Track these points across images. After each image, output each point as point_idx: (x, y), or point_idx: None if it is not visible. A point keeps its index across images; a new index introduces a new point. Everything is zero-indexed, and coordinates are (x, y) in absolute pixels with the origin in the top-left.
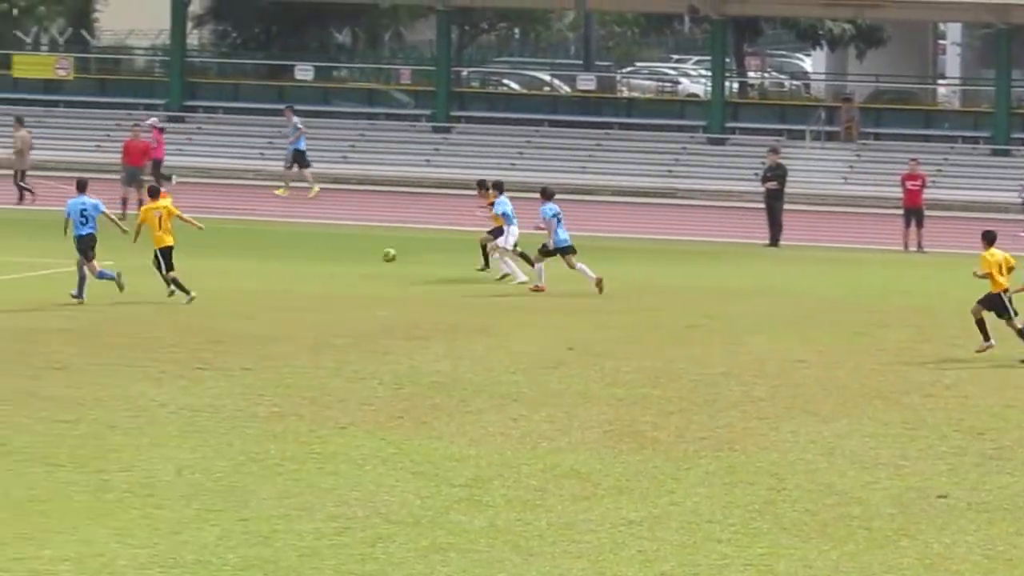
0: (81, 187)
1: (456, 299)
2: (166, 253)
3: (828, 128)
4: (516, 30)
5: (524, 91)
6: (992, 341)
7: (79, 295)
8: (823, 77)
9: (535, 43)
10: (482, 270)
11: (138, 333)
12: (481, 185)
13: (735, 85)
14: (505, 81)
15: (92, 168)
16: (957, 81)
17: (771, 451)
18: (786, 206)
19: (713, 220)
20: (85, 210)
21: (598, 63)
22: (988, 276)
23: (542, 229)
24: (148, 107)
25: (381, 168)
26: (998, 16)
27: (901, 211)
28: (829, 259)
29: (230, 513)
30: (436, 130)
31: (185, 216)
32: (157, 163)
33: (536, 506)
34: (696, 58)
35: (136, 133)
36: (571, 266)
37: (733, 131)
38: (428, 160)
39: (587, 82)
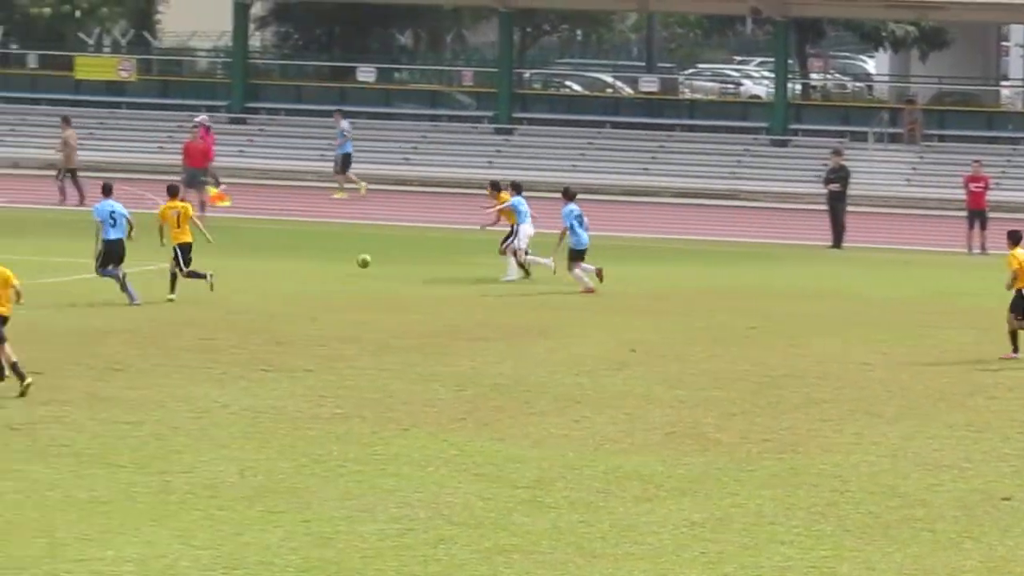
0: (107, 191)
1: (518, 301)
2: (185, 249)
3: (891, 130)
4: (578, 31)
5: (586, 93)
6: (1020, 354)
7: (131, 297)
8: (886, 79)
9: (597, 45)
10: (526, 277)
11: (199, 334)
12: (493, 186)
13: (798, 87)
14: (567, 83)
15: (154, 170)
16: (1021, 82)
17: (834, 453)
18: (849, 208)
19: (776, 222)
20: (114, 213)
21: (660, 64)
22: (1015, 278)
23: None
24: (210, 109)
25: (443, 170)
26: None
27: (964, 213)
28: (892, 261)
29: (293, 514)
30: (498, 132)
31: (199, 224)
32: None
33: (599, 508)
34: (759, 60)
35: (195, 135)
36: (569, 269)
37: (796, 133)
38: (490, 162)
39: (649, 84)
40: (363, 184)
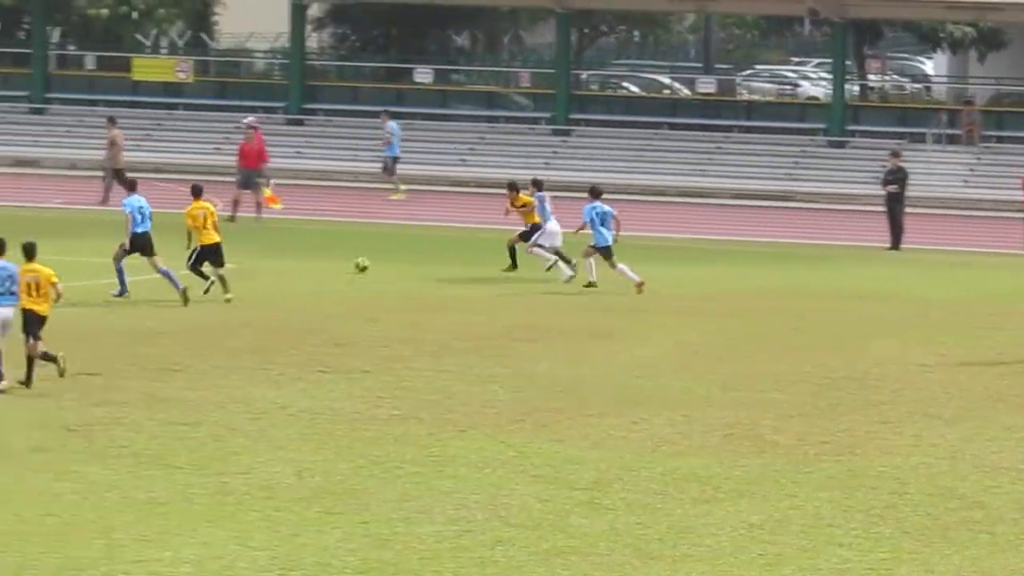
0: (132, 187)
1: (575, 303)
2: (213, 250)
3: (949, 131)
4: (636, 32)
5: (643, 94)
6: None
7: (178, 287)
8: (944, 80)
9: (655, 46)
10: (572, 277)
11: (257, 335)
12: (511, 187)
13: (855, 88)
14: (624, 84)
15: (211, 171)
16: None
17: (893, 455)
18: (907, 209)
19: (833, 223)
20: (143, 208)
21: (718, 66)
22: None
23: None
24: (267, 110)
25: (500, 171)
26: None
27: (1022, 214)
28: (950, 263)
29: (350, 516)
30: (555, 133)
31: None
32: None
33: (656, 510)
34: (816, 61)
35: (250, 136)
36: (584, 255)
37: (853, 134)
38: (547, 163)
39: (707, 85)
40: (402, 189)
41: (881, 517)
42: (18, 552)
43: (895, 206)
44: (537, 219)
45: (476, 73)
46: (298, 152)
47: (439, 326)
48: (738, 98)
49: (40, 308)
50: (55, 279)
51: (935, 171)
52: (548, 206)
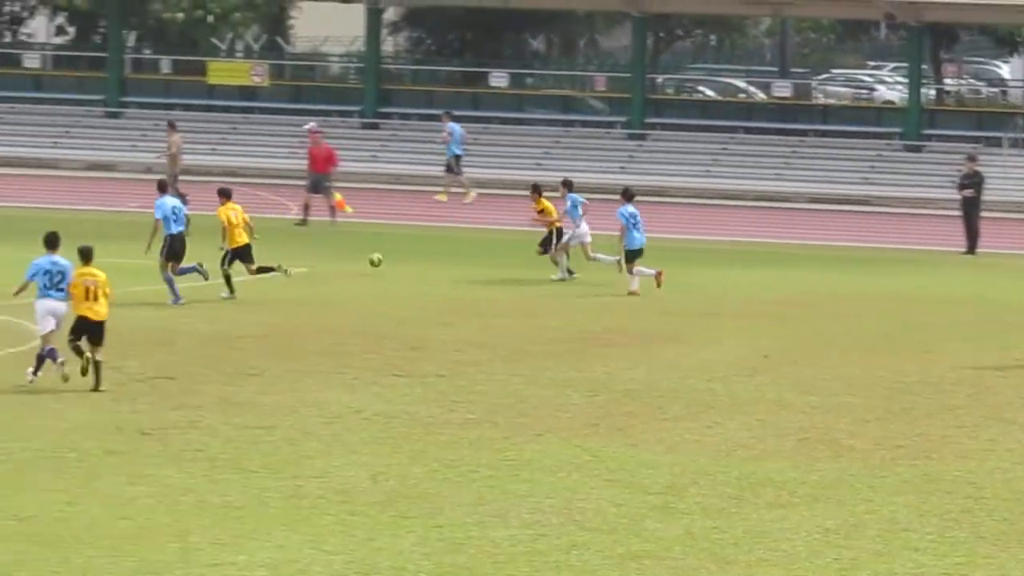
0: (162, 188)
1: (649, 306)
2: (244, 251)
3: None
4: (712, 36)
5: (719, 98)
6: None
7: (177, 299)
8: (1021, 84)
9: (731, 50)
10: (570, 275)
11: (331, 339)
12: (534, 189)
13: (932, 92)
14: (700, 88)
15: (286, 175)
16: None
17: (968, 460)
18: (982, 214)
19: (909, 228)
20: (176, 208)
21: (794, 70)
22: None
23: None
24: (342, 114)
25: (575, 175)
26: None
27: None
28: None
29: (424, 520)
30: (631, 137)
31: (251, 225)
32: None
33: (731, 514)
34: (892, 65)
35: (318, 140)
36: (628, 271)
37: (929, 138)
38: (622, 167)
39: (783, 89)
40: (446, 193)
41: (956, 521)
42: (92, 555)
43: (971, 210)
44: (558, 223)
45: (552, 77)
46: (373, 156)
47: (513, 330)
48: (814, 102)
49: (94, 314)
50: (108, 288)
51: (1011, 175)
52: (580, 208)
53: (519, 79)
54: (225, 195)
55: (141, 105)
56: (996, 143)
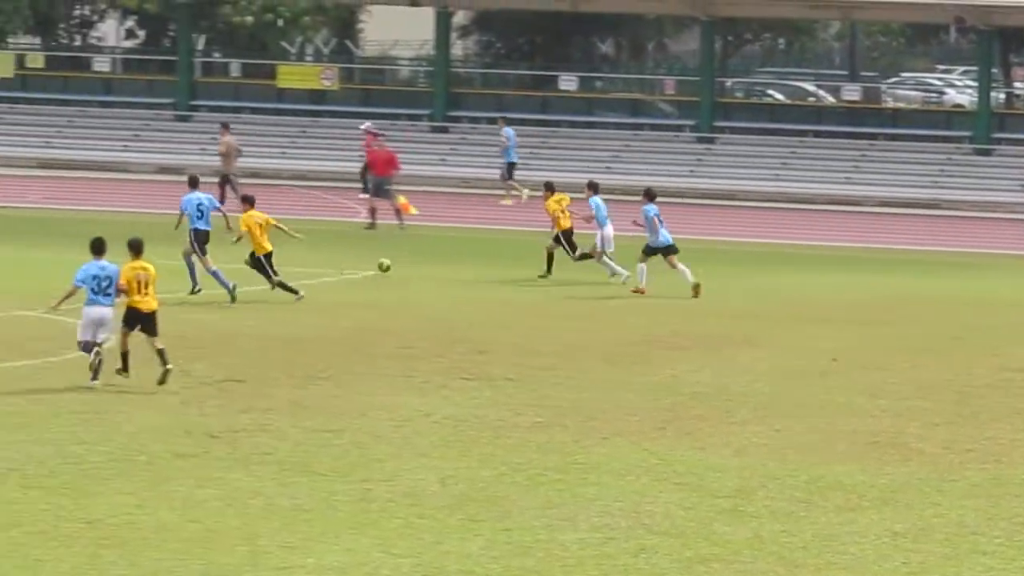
0: (193, 183)
1: (716, 309)
2: (268, 257)
3: None
4: (781, 40)
5: (788, 101)
6: None
7: (195, 286)
8: None
9: (800, 53)
10: (544, 276)
11: (399, 343)
12: (548, 187)
13: (1001, 96)
14: (769, 91)
15: (355, 178)
16: None
17: None
18: None
19: (978, 231)
20: (201, 205)
21: (863, 73)
22: None
23: (640, 225)
24: (411, 117)
25: (644, 179)
26: None
27: None
28: None
29: (493, 523)
30: (700, 141)
31: (282, 226)
32: (367, 168)
33: (800, 518)
34: (962, 68)
35: (380, 143)
36: (672, 266)
37: (999, 142)
38: (691, 171)
39: (852, 92)
40: (512, 200)
41: None
42: (160, 558)
43: None
44: (568, 224)
45: (621, 80)
46: (442, 160)
47: (580, 333)
48: (883, 106)
49: (145, 305)
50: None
51: None
52: (605, 210)
53: (588, 83)
54: (248, 202)
55: (211, 108)
56: None
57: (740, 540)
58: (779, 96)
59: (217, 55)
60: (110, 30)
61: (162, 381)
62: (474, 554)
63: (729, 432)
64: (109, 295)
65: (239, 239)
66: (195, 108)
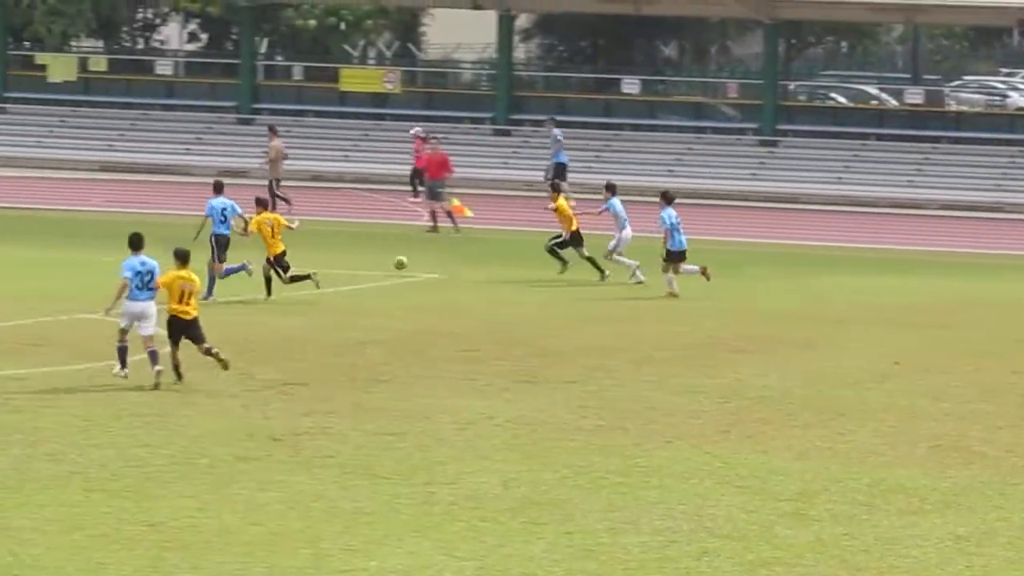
0: (218, 189)
1: (779, 312)
2: (279, 259)
3: None
4: (843, 43)
5: (851, 104)
6: None
7: (208, 294)
8: None
9: (862, 56)
10: (562, 272)
11: (460, 346)
12: (554, 188)
13: None
14: (832, 94)
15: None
16: None
17: None
18: None
19: None
20: (225, 210)
21: (926, 76)
22: None
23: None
24: (474, 120)
25: (707, 182)
26: None
27: None
28: None
29: (555, 526)
30: (762, 144)
31: (289, 224)
32: (417, 172)
33: (862, 521)
34: None
35: (434, 147)
36: (675, 272)
37: None
38: (754, 174)
39: (915, 96)
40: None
41: None
42: (223, 561)
43: None
44: (575, 226)
45: (683, 83)
46: (504, 163)
47: (642, 336)
48: (946, 109)
49: (185, 313)
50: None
51: None
52: (623, 212)
53: (651, 86)
54: (262, 205)
55: (273, 112)
56: None
57: (802, 543)
58: (842, 99)
59: (280, 58)
60: (173, 33)
61: (226, 367)
62: (536, 557)
63: (791, 435)
64: (152, 290)
65: (246, 228)
66: (257, 111)
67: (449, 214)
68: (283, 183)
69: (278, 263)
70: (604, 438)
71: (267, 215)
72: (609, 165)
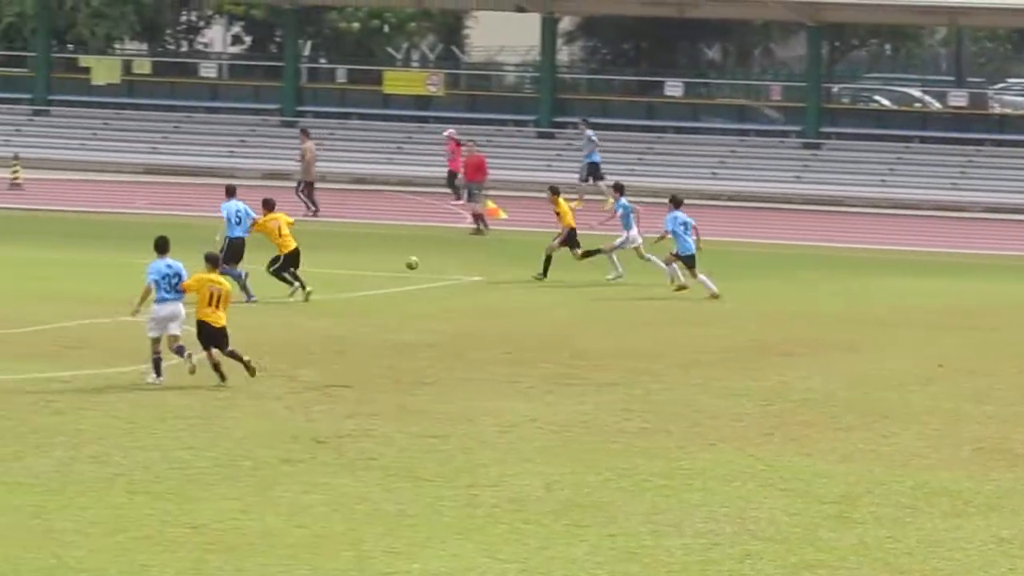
0: (231, 192)
1: (823, 315)
2: (293, 255)
3: None
4: (887, 46)
5: (895, 107)
6: None
7: (248, 295)
8: None
9: (906, 59)
10: (539, 278)
11: (502, 348)
12: (552, 191)
13: None
14: (876, 97)
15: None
16: None
17: None
18: None
19: None
20: (239, 212)
21: (970, 79)
22: None
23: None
24: (517, 123)
25: (750, 184)
26: None
27: None
28: None
29: (598, 529)
30: (806, 146)
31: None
32: (452, 175)
33: (906, 524)
34: None
35: (471, 148)
36: (693, 276)
37: None
38: (797, 176)
39: (958, 98)
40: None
41: None
42: (266, 563)
43: None
44: (573, 224)
45: (727, 86)
46: (547, 165)
47: (684, 339)
48: (990, 111)
49: (215, 320)
50: (229, 300)
51: None
52: (632, 214)
53: (694, 88)
54: (268, 206)
55: (316, 114)
56: None
57: (845, 546)
58: (885, 102)
59: (323, 61)
60: (216, 36)
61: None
62: (579, 560)
63: (835, 438)
64: (180, 292)
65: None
66: (301, 114)
67: (480, 216)
68: (316, 186)
69: (294, 260)
70: (647, 441)
71: (271, 215)
72: (652, 168)
